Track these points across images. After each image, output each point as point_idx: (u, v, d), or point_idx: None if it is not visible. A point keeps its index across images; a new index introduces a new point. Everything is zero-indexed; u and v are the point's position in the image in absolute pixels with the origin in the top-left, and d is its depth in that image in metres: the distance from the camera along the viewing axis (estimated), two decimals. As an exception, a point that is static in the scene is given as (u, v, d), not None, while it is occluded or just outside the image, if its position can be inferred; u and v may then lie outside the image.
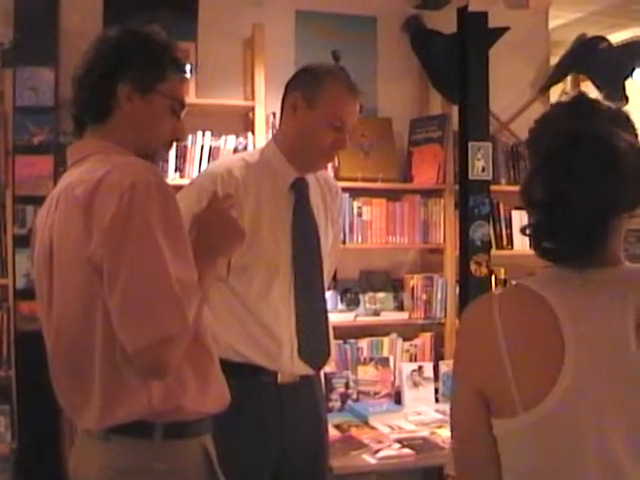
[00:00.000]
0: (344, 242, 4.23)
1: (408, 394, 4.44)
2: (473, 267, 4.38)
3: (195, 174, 4.11)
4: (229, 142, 4.33)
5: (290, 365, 2.75)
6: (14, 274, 3.94)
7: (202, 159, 4.26)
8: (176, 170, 4.20)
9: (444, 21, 4.69)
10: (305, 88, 2.73)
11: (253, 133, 4.33)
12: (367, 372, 4.44)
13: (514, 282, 1.79)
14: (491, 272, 4.47)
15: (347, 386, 4.36)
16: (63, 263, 1.97)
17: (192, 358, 1.99)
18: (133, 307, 1.81)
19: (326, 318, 2.88)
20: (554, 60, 5.15)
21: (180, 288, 1.82)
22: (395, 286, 4.77)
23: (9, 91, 3.98)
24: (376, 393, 4.43)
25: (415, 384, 4.47)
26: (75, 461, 2.11)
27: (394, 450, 3.67)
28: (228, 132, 4.35)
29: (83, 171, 1.97)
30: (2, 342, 4.02)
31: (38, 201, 3.09)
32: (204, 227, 2.12)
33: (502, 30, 4.49)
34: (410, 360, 4.64)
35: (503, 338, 1.52)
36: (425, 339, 4.72)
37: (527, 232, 1.58)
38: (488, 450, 1.57)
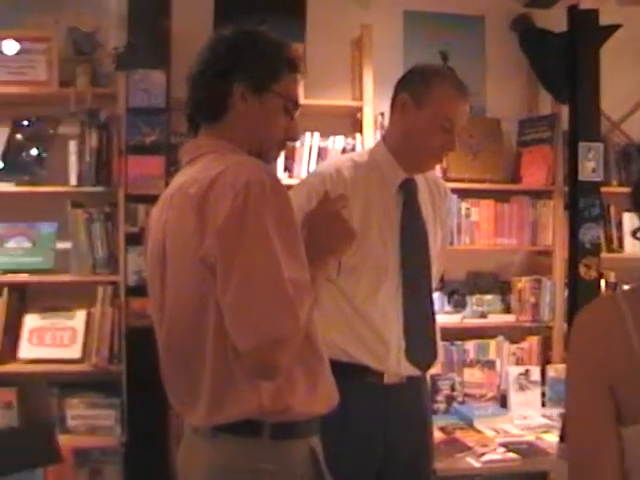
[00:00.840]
0: (451, 243, 4.21)
1: (514, 398, 4.39)
2: (582, 270, 4.31)
3: (303, 174, 4.14)
4: (337, 142, 4.35)
5: (397, 366, 2.74)
6: (125, 271, 4.03)
7: (310, 159, 4.29)
8: (285, 170, 4.25)
9: (554, 19, 4.62)
10: (414, 89, 2.72)
11: (361, 133, 4.34)
12: (473, 374, 4.41)
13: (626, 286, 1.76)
14: (601, 275, 4.39)
15: (453, 388, 4.33)
16: (176, 261, 1.99)
17: (302, 359, 1.98)
18: (246, 306, 1.80)
19: (433, 320, 2.87)
20: (668, 58, 5.03)
21: (293, 288, 1.81)
22: (502, 288, 4.73)
23: (122, 93, 4.07)
24: (482, 396, 4.39)
25: (521, 388, 4.42)
26: (182, 457, 2.14)
27: (499, 454, 3.64)
28: (336, 133, 4.37)
29: (197, 170, 1.98)
30: (113, 338, 4.11)
31: (149, 200, 3.19)
32: (315, 227, 2.11)
33: (614, 28, 4.41)
34: (517, 363, 4.58)
35: (637, 338, 1.49)
36: (532, 342, 4.66)
37: (638, 235, 1.57)
38: (616, 461, 1.52)
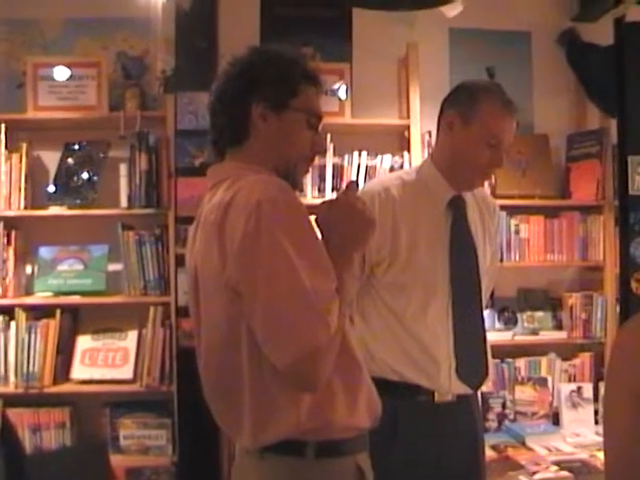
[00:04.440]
0: (501, 260, 4.19)
1: (566, 415, 4.35)
2: (634, 285, 4.25)
3: (351, 193, 4.14)
4: (385, 161, 4.35)
5: (447, 384, 2.72)
6: (176, 292, 4.07)
7: (358, 178, 4.30)
8: (333, 189, 4.26)
9: (601, 33, 4.57)
10: (461, 106, 2.71)
11: (409, 152, 4.34)
12: (525, 392, 4.37)
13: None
14: (653, 290, 4.34)
15: (504, 406, 4.30)
16: (206, 287, 2.00)
17: (341, 370, 1.97)
18: (276, 325, 1.81)
19: (484, 337, 2.84)
20: None
21: (318, 298, 1.81)
22: (553, 305, 4.70)
23: (171, 116, 4.13)
24: (534, 413, 4.36)
25: (574, 405, 4.37)
26: (235, 478, 2.14)
27: (551, 472, 3.60)
28: (384, 151, 4.38)
29: (217, 196, 1.99)
30: (164, 358, 4.15)
31: (199, 222, 3.22)
32: (333, 224, 2.04)
33: (662, 39, 4.37)
34: (569, 380, 4.54)
35: None
36: (584, 359, 4.62)
37: None
38: None
